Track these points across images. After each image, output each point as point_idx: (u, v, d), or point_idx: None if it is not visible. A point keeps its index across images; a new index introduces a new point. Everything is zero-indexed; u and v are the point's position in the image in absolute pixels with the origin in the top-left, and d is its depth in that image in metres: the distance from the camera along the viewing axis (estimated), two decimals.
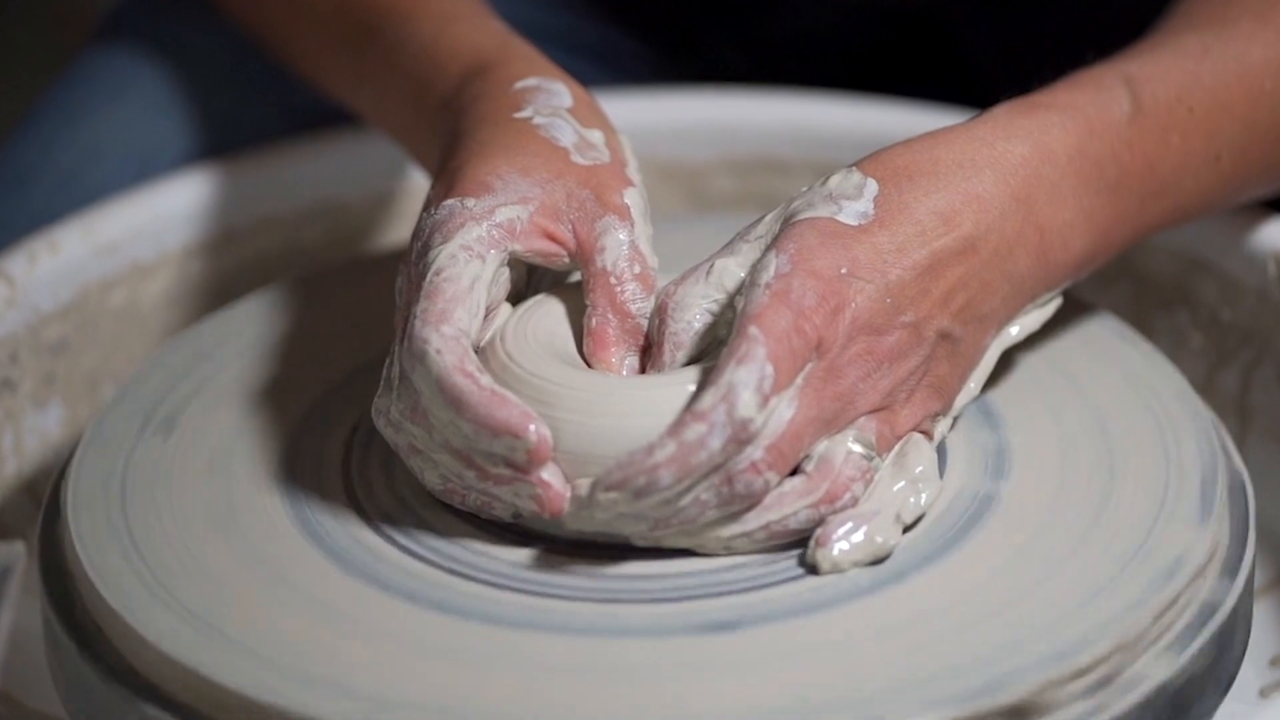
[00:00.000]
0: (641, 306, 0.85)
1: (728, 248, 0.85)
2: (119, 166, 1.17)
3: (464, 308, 0.82)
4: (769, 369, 0.78)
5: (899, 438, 0.83)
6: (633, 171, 0.89)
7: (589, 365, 0.85)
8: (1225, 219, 1.05)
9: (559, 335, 0.86)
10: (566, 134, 0.88)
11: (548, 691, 0.76)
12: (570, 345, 0.86)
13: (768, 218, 0.85)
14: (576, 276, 0.88)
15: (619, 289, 0.85)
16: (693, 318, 0.84)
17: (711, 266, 0.84)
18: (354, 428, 0.89)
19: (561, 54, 1.22)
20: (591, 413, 0.81)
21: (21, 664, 0.94)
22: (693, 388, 0.81)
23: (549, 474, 0.80)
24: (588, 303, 0.86)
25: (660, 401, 0.81)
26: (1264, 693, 0.94)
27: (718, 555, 0.81)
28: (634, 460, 0.77)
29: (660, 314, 0.84)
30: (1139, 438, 0.87)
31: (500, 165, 0.86)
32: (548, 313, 0.86)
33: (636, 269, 0.85)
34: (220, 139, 1.19)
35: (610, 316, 0.85)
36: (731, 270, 0.84)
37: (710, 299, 0.84)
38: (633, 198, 0.87)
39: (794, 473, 0.81)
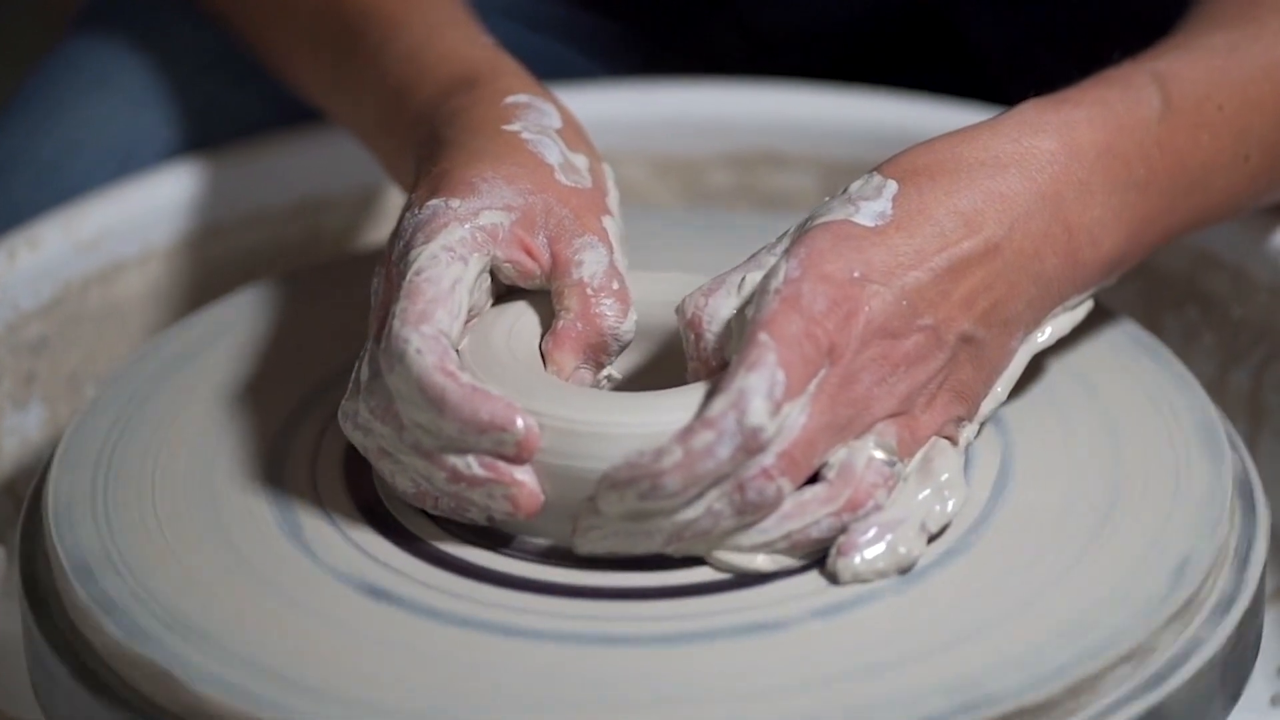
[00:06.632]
0: (614, 325, 0.84)
1: (753, 260, 0.83)
2: (100, 159, 1.16)
3: (445, 309, 0.81)
4: (780, 375, 0.77)
5: (920, 443, 0.82)
6: (613, 202, 0.89)
7: (544, 362, 0.84)
8: None
9: (526, 343, 0.85)
10: (553, 153, 0.88)
11: (537, 697, 0.75)
12: (536, 353, 0.85)
13: (792, 229, 0.84)
14: None
15: (594, 299, 0.84)
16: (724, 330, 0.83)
17: (742, 280, 0.82)
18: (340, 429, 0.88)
19: (555, 44, 1.21)
20: (570, 421, 0.80)
21: (1, 670, 0.94)
22: (676, 408, 0.80)
23: (523, 473, 0.79)
24: (558, 308, 0.85)
25: (642, 415, 0.80)
26: (1275, 700, 0.94)
27: (727, 571, 0.80)
28: (640, 462, 0.77)
29: (694, 329, 0.82)
30: (1147, 441, 0.86)
31: (486, 170, 0.86)
32: (514, 319, 0.86)
33: (615, 285, 0.85)
34: (205, 131, 1.18)
35: (578, 324, 0.84)
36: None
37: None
38: (611, 226, 0.87)
39: (813, 480, 0.80)
